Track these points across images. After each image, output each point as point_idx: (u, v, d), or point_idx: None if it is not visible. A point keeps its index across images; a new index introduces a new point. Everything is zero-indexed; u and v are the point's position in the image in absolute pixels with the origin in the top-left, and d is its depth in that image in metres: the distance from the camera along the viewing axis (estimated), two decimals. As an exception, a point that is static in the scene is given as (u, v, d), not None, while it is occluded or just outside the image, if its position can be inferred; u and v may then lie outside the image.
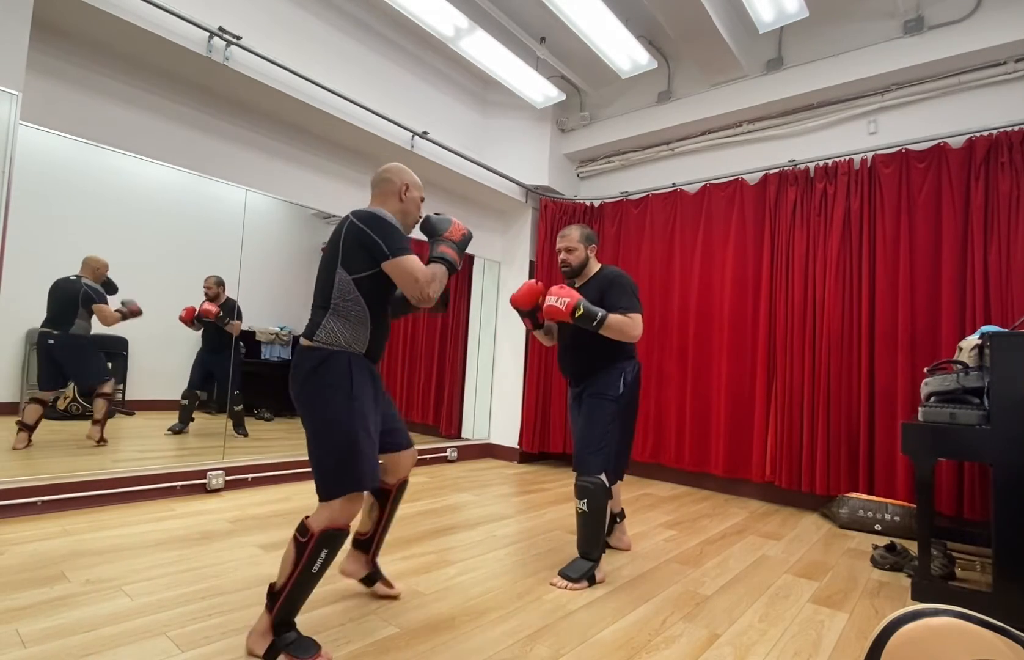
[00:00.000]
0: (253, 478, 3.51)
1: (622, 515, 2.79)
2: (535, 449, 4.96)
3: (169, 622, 1.72)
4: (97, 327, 3.89)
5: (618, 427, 2.41)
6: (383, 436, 1.86)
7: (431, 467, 4.62)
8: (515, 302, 2.51)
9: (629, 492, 4.12)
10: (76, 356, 3.72)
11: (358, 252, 1.64)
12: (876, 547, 2.83)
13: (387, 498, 2.03)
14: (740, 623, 2.00)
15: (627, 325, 2.33)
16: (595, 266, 2.58)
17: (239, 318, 4.40)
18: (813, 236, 3.91)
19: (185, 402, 4.39)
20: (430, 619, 1.87)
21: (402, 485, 2.06)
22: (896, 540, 2.94)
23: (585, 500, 2.28)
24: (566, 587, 2.19)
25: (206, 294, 4.38)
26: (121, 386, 4.49)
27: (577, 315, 2.26)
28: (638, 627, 1.92)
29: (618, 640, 1.81)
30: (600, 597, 2.16)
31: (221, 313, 4.30)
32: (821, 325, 3.81)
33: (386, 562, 2.35)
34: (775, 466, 3.93)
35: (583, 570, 2.25)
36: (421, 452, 4.73)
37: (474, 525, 3.02)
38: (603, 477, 2.29)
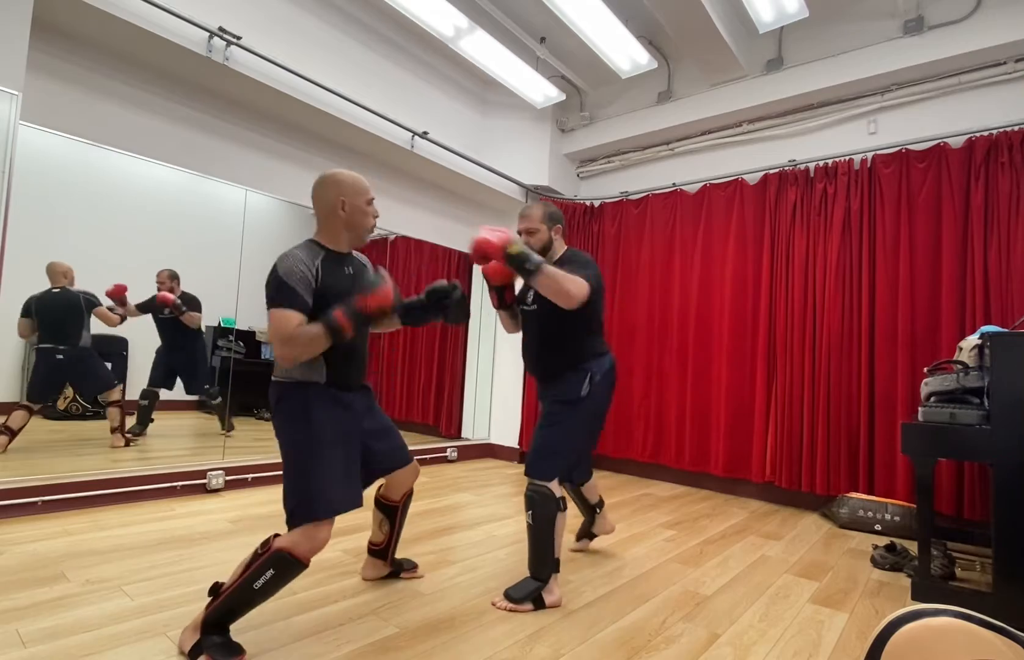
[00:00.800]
0: (253, 478, 3.51)
1: (601, 504, 2.68)
2: (535, 449, 4.95)
3: (169, 622, 1.72)
4: (97, 326, 3.89)
5: (581, 431, 2.20)
6: (381, 458, 1.91)
7: (431, 467, 4.62)
8: (487, 273, 2.20)
9: (629, 492, 4.12)
10: (85, 369, 3.73)
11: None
12: (876, 547, 2.83)
13: (395, 513, 2.11)
14: (740, 623, 2.00)
15: (565, 280, 1.96)
16: (561, 248, 2.30)
17: (199, 310, 4.28)
18: (813, 236, 3.91)
19: (144, 402, 4.20)
20: (430, 619, 1.87)
21: (407, 496, 2.13)
22: (896, 540, 2.94)
23: (531, 512, 2.06)
24: (507, 608, 1.98)
25: (160, 287, 4.22)
26: (121, 386, 4.48)
27: (511, 251, 1.93)
28: (638, 627, 1.92)
29: (618, 640, 1.81)
30: (600, 597, 2.16)
31: (178, 301, 4.14)
32: (821, 325, 3.81)
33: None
34: (775, 466, 3.93)
35: (528, 590, 2.02)
36: (421, 452, 4.73)
37: (474, 525, 3.02)
38: (551, 485, 2.06)
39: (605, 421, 2.39)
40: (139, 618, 1.73)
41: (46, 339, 3.58)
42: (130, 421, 4.10)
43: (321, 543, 1.62)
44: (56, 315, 3.62)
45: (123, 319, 3.87)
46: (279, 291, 1.61)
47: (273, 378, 1.72)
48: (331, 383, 1.72)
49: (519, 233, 2.26)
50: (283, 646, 1.63)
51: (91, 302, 3.74)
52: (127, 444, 3.71)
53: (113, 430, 3.71)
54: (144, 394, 4.24)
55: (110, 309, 3.83)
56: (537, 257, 1.97)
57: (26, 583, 1.92)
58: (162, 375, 4.29)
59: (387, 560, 2.16)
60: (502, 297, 2.29)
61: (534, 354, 2.31)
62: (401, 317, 1.96)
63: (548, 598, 2.04)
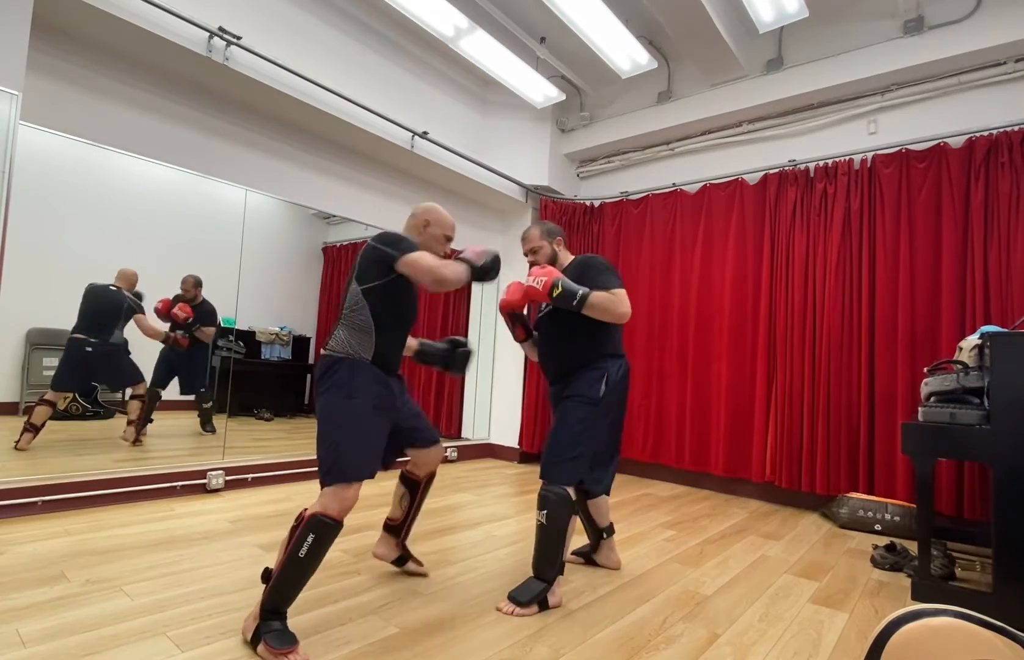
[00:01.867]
0: (253, 478, 3.51)
1: (610, 530, 2.48)
2: (535, 449, 4.96)
3: (169, 622, 1.72)
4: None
5: (599, 433, 2.16)
6: (409, 433, 2.07)
7: (431, 467, 4.62)
8: (507, 306, 2.29)
9: (629, 492, 4.12)
10: (113, 363, 3.80)
11: (371, 267, 1.83)
12: (876, 547, 2.83)
13: (417, 488, 2.21)
14: (740, 623, 2.00)
15: (611, 302, 2.07)
16: (567, 258, 2.38)
17: (215, 324, 4.31)
18: (813, 236, 3.91)
19: (144, 400, 4.22)
20: (430, 619, 1.87)
21: (430, 477, 2.24)
22: (896, 540, 2.94)
23: (544, 512, 2.04)
24: (512, 612, 1.95)
25: (184, 294, 4.27)
26: (146, 384, 4.49)
27: (555, 294, 2.06)
28: (638, 627, 1.92)
29: (618, 640, 1.81)
30: (600, 597, 2.16)
31: (193, 318, 4.19)
32: (821, 325, 3.81)
33: (386, 562, 2.36)
34: (775, 466, 3.93)
35: (534, 592, 2.00)
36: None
37: (474, 525, 3.02)
38: (569, 490, 2.06)
39: (623, 427, 2.36)
40: (139, 618, 1.73)
41: (80, 330, 3.62)
42: (124, 421, 4.10)
43: (350, 503, 1.72)
44: (96, 309, 3.69)
45: (167, 340, 3.97)
46: (404, 243, 1.84)
47: (323, 351, 1.86)
48: (375, 362, 1.86)
49: (526, 256, 2.38)
50: (283, 646, 1.63)
51: (133, 308, 3.81)
52: (135, 442, 3.73)
53: (130, 422, 3.78)
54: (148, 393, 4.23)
55: (168, 334, 3.93)
56: (582, 289, 2.07)
57: (26, 583, 1.92)
58: (163, 375, 4.28)
59: (400, 538, 2.22)
60: (526, 326, 2.45)
61: (551, 355, 2.33)
62: (417, 351, 2.25)
63: (551, 599, 2.03)
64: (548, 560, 2.05)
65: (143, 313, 3.84)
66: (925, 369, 2.65)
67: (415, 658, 1.62)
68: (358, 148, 4.17)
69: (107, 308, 3.71)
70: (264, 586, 1.65)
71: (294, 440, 5.09)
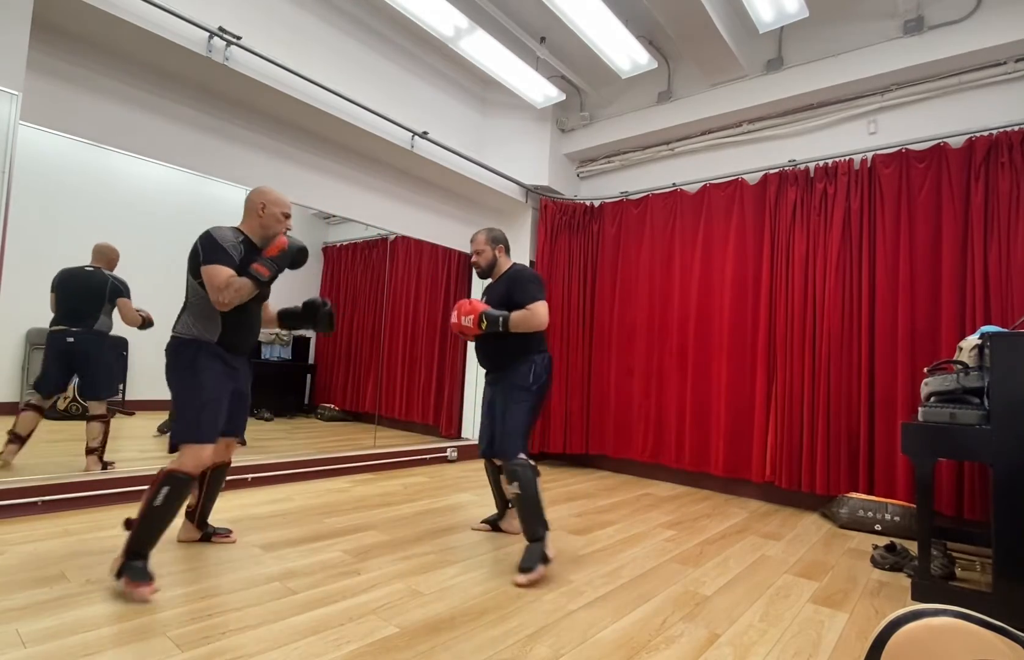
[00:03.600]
0: (253, 478, 3.51)
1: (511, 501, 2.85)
2: (535, 449, 4.96)
3: (169, 622, 1.72)
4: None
5: (532, 414, 2.58)
6: (228, 418, 2.23)
7: (431, 467, 4.62)
8: (463, 331, 2.63)
9: (629, 492, 4.12)
10: (95, 358, 3.29)
11: (194, 260, 2.12)
12: (876, 547, 2.83)
13: (203, 476, 2.37)
14: (740, 623, 2.00)
15: (528, 317, 2.49)
16: (506, 264, 2.76)
17: None
18: (813, 236, 3.91)
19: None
20: (430, 619, 1.87)
21: (220, 468, 2.43)
22: (896, 540, 2.94)
23: (516, 482, 2.38)
24: (526, 581, 2.21)
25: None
26: (121, 386, 4.48)
27: (484, 326, 2.51)
28: (638, 627, 1.92)
29: (618, 640, 1.81)
30: (600, 597, 2.16)
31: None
32: (821, 325, 3.81)
33: (386, 562, 2.36)
34: (775, 466, 3.93)
35: (536, 555, 2.30)
36: (421, 452, 4.73)
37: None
38: (524, 456, 2.45)
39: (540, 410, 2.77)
40: (139, 618, 1.73)
41: (59, 320, 3.23)
42: (124, 421, 4.07)
43: (205, 461, 2.06)
44: (73, 293, 3.25)
45: (145, 322, 3.48)
46: (213, 251, 2.08)
47: (172, 334, 2.14)
48: (220, 344, 2.14)
49: (471, 256, 2.77)
50: (283, 646, 1.63)
51: (117, 289, 3.33)
52: (104, 468, 3.18)
53: (90, 451, 3.13)
54: None
55: (147, 319, 3.44)
56: (503, 315, 2.50)
57: (26, 583, 1.92)
58: None
59: (197, 523, 2.44)
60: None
61: (488, 352, 2.70)
62: (280, 320, 2.51)
63: (549, 552, 2.35)
64: (535, 521, 2.38)
65: (127, 296, 3.37)
66: (925, 369, 2.65)
67: (415, 658, 1.62)
68: (358, 148, 4.17)
69: (86, 291, 3.24)
70: (127, 531, 1.93)
71: (294, 440, 5.09)
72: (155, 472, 2.01)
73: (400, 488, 3.75)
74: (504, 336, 2.55)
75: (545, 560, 2.31)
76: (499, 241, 2.76)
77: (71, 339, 3.21)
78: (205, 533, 2.46)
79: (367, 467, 4.25)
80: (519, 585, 2.19)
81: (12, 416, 3.68)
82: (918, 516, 2.35)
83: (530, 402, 2.54)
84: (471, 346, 5.24)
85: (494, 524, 2.95)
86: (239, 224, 2.26)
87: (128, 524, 1.95)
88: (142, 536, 1.93)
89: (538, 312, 2.50)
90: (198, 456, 2.02)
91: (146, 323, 3.53)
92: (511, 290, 2.60)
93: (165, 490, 1.93)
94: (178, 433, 2.05)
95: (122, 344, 4.48)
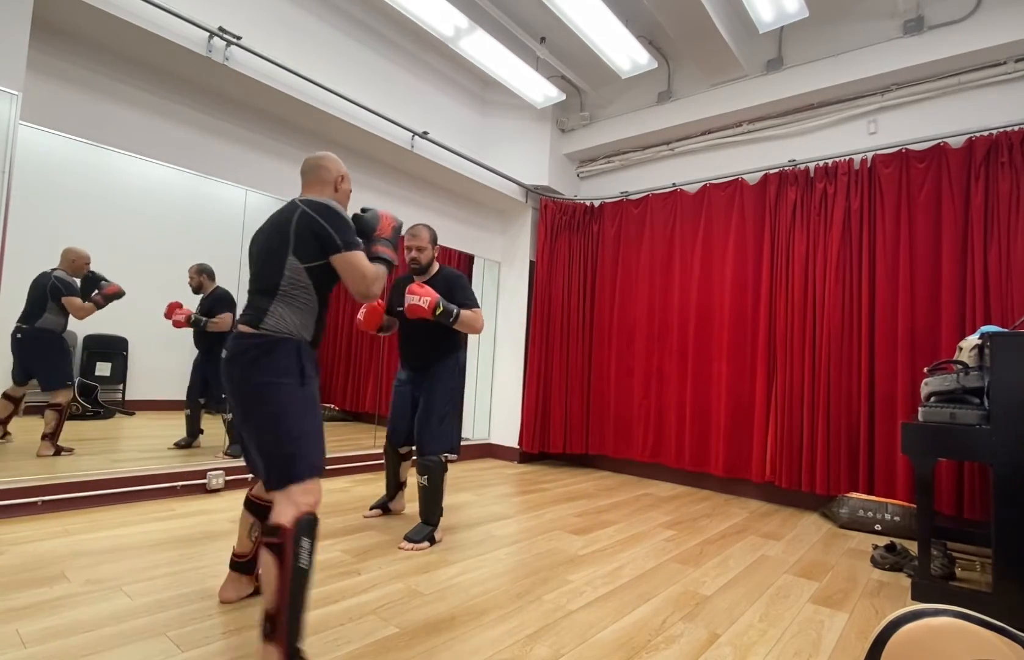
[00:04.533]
0: (253, 478, 3.50)
1: (404, 484, 3.13)
2: (535, 449, 4.96)
3: (169, 622, 1.72)
4: (98, 325, 3.88)
5: (456, 409, 2.80)
6: None
7: (431, 467, 4.62)
8: (365, 327, 2.76)
9: (629, 492, 4.12)
10: (38, 353, 3.56)
11: (311, 241, 1.63)
12: (876, 547, 2.83)
13: (266, 513, 1.80)
14: (740, 623, 2.00)
15: (474, 320, 2.66)
16: (435, 266, 2.85)
17: (230, 310, 4.04)
18: (813, 236, 3.91)
19: (187, 412, 4.14)
20: (430, 619, 1.87)
21: None
22: (896, 540, 2.95)
23: (426, 476, 2.63)
24: (411, 549, 2.51)
25: (189, 286, 4.09)
26: (121, 386, 4.48)
27: (438, 312, 2.53)
28: (638, 627, 1.92)
29: (618, 640, 1.81)
30: (600, 597, 2.16)
31: (193, 317, 3.95)
32: (821, 325, 3.81)
33: (386, 562, 2.36)
34: (775, 466, 3.93)
35: (424, 532, 2.60)
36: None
37: (474, 525, 3.02)
38: (442, 457, 2.67)
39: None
40: (139, 618, 1.73)
41: (19, 319, 3.52)
42: (124, 421, 4.07)
43: (320, 497, 1.60)
44: (28, 294, 3.54)
45: (100, 305, 3.67)
46: (351, 233, 1.68)
47: (256, 330, 1.61)
48: (312, 344, 1.71)
49: (408, 248, 2.78)
50: (283, 646, 1.63)
51: (58, 289, 3.55)
52: (57, 454, 3.38)
53: (43, 436, 3.40)
54: (186, 406, 4.12)
55: (91, 299, 3.65)
56: (456, 308, 2.60)
57: (26, 583, 1.92)
58: (197, 384, 4.14)
59: (254, 574, 1.93)
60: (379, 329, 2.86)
61: (418, 349, 2.81)
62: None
63: (437, 535, 2.66)
64: (432, 509, 2.65)
65: (70, 294, 3.57)
66: (925, 369, 2.65)
67: (415, 658, 1.62)
68: (358, 148, 4.17)
69: (33, 291, 3.51)
70: (268, 633, 1.39)
71: (294, 440, 5.08)
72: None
73: (400, 488, 3.75)
74: (442, 331, 2.71)
75: (432, 541, 2.60)
76: (436, 241, 2.84)
77: (18, 335, 3.51)
78: (258, 588, 1.94)
79: (367, 467, 4.25)
80: (402, 549, 2.51)
81: (12, 415, 3.70)
82: (918, 516, 2.35)
83: (458, 402, 2.78)
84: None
85: (384, 507, 3.09)
86: (307, 195, 1.81)
87: (269, 625, 1.40)
88: (296, 618, 1.43)
89: (481, 317, 2.72)
90: (320, 489, 1.59)
91: (108, 299, 3.67)
92: (452, 290, 2.71)
93: (307, 544, 1.47)
94: (290, 467, 1.54)
95: (122, 344, 4.47)
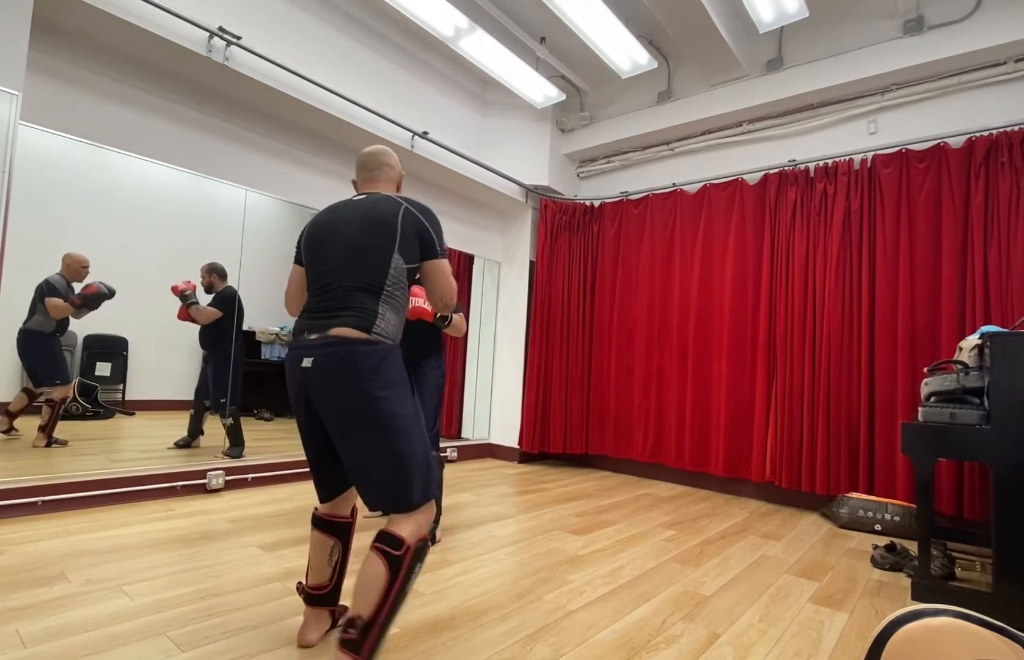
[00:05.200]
0: (253, 478, 3.51)
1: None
2: (535, 449, 4.96)
3: (169, 622, 1.72)
4: (98, 325, 3.89)
5: (439, 403, 2.91)
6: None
7: (431, 467, 4.61)
8: (420, 312, 2.71)
9: (629, 492, 4.12)
10: (26, 352, 3.71)
11: (414, 242, 1.54)
12: (876, 547, 2.83)
13: (350, 533, 1.72)
14: (740, 623, 2.00)
15: (462, 324, 2.74)
16: None
17: (221, 308, 4.03)
18: (813, 236, 3.91)
19: (192, 412, 4.13)
20: (430, 619, 1.87)
21: (354, 513, 1.76)
22: (896, 540, 2.95)
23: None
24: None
25: (201, 285, 4.14)
26: (121, 386, 4.48)
27: (438, 316, 2.61)
28: (638, 627, 1.92)
29: (618, 640, 1.81)
30: (600, 597, 2.16)
31: (185, 292, 3.97)
32: (821, 325, 3.81)
33: (386, 562, 2.36)
34: (775, 466, 3.93)
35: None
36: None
37: (474, 525, 3.02)
38: (434, 451, 2.67)
39: None
40: (139, 618, 1.73)
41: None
42: (124, 421, 4.08)
43: (432, 518, 1.50)
44: (32, 298, 3.72)
45: (80, 306, 3.77)
46: (442, 236, 1.60)
47: (369, 335, 1.45)
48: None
49: None
50: (283, 646, 1.63)
51: (42, 291, 3.68)
52: (48, 444, 3.58)
53: (39, 428, 3.63)
54: (192, 404, 4.15)
55: (71, 300, 3.76)
56: (451, 314, 2.63)
57: (26, 583, 1.92)
58: (202, 384, 4.17)
59: (336, 603, 1.72)
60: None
61: (412, 350, 2.78)
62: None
63: (437, 535, 2.70)
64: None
65: (51, 295, 3.69)
66: (925, 369, 2.65)
67: (415, 658, 1.62)
68: (358, 148, 4.17)
69: (33, 296, 3.70)
70: (350, 644, 1.29)
71: (294, 440, 5.08)
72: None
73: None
74: (434, 332, 2.82)
75: (432, 540, 2.63)
76: None
77: (18, 337, 3.68)
78: (336, 621, 1.73)
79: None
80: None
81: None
82: (918, 516, 2.35)
83: (441, 393, 2.88)
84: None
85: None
86: (369, 189, 1.68)
87: (360, 626, 1.31)
88: (385, 635, 1.35)
89: (464, 322, 2.81)
90: (431, 513, 1.48)
91: (87, 299, 3.75)
92: None
93: (418, 568, 1.40)
94: (417, 485, 1.43)
95: (122, 344, 4.48)
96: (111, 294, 3.83)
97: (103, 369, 4.41)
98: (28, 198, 3.80)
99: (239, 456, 3.70)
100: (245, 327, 5.07)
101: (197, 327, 4.07)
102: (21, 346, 3.69)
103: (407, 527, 1.40)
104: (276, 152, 3.75)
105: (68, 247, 3.94)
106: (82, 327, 4.18)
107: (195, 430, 4.06)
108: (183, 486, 3.20)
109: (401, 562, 1.35)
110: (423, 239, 1.55)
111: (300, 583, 1.71)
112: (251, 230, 4.15)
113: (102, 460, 3.48)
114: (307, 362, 1.45)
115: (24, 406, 3.63)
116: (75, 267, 3.78)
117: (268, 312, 5.52)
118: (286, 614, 1.83)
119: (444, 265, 1.59)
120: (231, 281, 4.35)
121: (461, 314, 2.78)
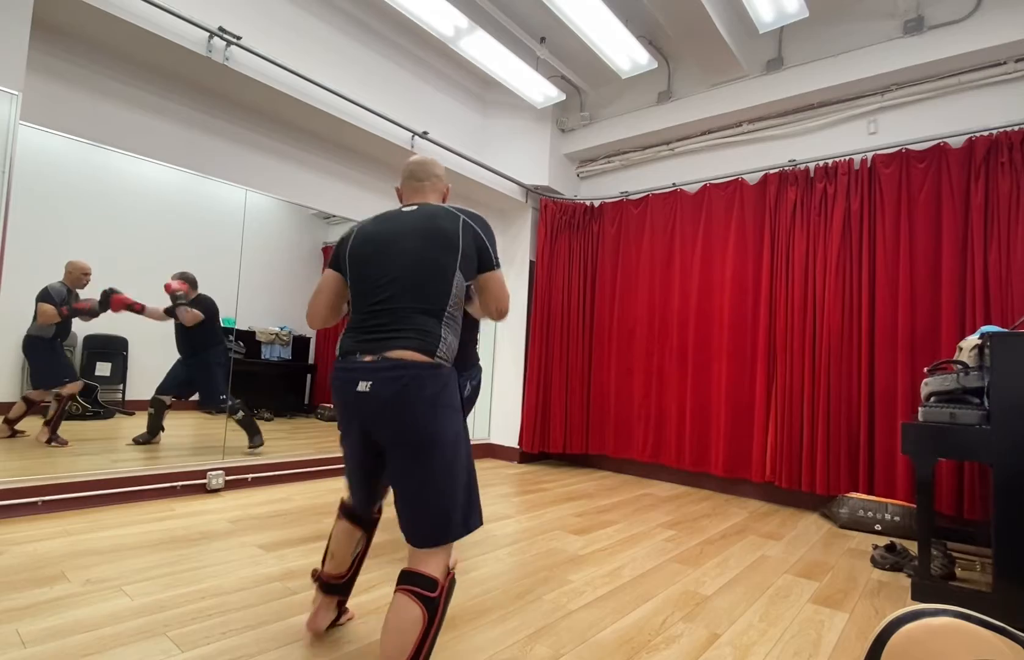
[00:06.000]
0: (253, 478, 3.51)
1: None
2: (535, 449, 4.96)
3: (169, 622, 1.72)
4: (98, 326, 3.88)
5: None
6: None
7: (431, 467, 4.62)
8: None
9: (629, 492, 4.12)
10: (31, 357, 3.74)
11: (473, 256, 1.49)
12: (876, 547, 2.83)
13: (374, 528, 1.76)
14: (740, 623, 2.00)
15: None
16: None
17: (206, 314, 4.08)
18: (813, 236, 3.91)
19: (151, 410, 4.06)
20: (430, 619, 1.87)
21: (380, 512, 1.81)
22: (896, 540, 2.94)
23: None
24: None
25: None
26: (121, 386, 4.47)
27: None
28: (638, 627, 1.92)
29: (618, 640, 1.81)
30: (600, 597, 2.16)
31: (181, 293, 4.02)
32: (821, 325, 3.81)
33: (385, 562, 2.36)
34: (775, 466, 3.93)
35: None
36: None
37: (474, 525, 3.02)
38: None
39: None
40: (139, 618, 1.73)
41: None
42: (124, 421, 4.07)
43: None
44: None
45: (68, 316, 3.78)
46: (496, 245, 1.55)
47: (433, 360, 1.39)
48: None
49: None
50: (283, 646, 1.63)
51: (38, 299, 3.72)
52: (49, 443, 3.59)
53: (44, 422, 3.67)
54: (151, 402, 4.11)
55: (60, 310, 3.79)
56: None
57: (26, 583, 1.92)
58: (171, 383, 4.15)
59: (349, 594, 1.74)
60: None
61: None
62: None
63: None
64: None
65: (44, 301, 3.71)
66: (925, 369, 2.65)
67: (415, 658, 1.62)
68: (358, 148, 4.17)
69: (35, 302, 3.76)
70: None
71: (294, 440, 5.09)
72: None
73: (400, 488, 3.75)
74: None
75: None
76: None
77: (22, 340, 3.70)
78: (337, 618, 1.76)
79: (367, 467, 4.24)
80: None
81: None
82: (918, 516, 2.35)
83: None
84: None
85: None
86: (417, 201, 1.62)
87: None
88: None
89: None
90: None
91: (74, 312, 3.74)
92: None
93: (448, 603, 1.38)
94: (465, 516, 1.38)
95: (122, 344, 4.48)
96: (97, 314, 3.87)
97: (103, 369, 4.41)
98: (28, 198, 3.80)
99: (261, 444, 3.82)
100: (245, 327, 5.07)
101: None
102: (25, 350, 3.73)
103: (438, 564, 1.34)
104: (276, 152, 3.75)
105: (68, 248, 3.94)
106: (83, 327, 4.18)
107: (155, 427, 4.04)
108: (183, 486, 3.20)
109: (438, 603, 1.31)
110: (481, 252, 1.51)
111: (315, 570, 1.73)
112: (251, 230, 4.15)
113: (102, 460, 3.47)
114: (364, 386, 1.38)
115: (23, 414, 3.63)
116: (76, 274, 3.80)
117: (268, 312, 5.51)
118: (286, 614, 1.83)
119: (501, 275, 1.55)
120: (231, 281, 4.35)
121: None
